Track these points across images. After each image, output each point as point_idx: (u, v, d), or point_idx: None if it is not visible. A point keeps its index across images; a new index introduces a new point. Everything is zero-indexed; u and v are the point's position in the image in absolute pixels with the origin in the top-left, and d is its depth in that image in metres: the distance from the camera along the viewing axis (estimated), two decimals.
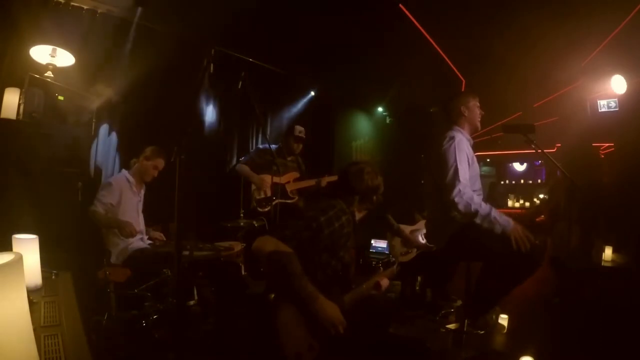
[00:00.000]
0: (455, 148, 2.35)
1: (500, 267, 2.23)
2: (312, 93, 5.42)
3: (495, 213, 2.22)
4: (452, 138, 2.41)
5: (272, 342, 1.49)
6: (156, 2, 3.40)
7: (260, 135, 4.72)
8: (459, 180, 2.26)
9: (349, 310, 1.66)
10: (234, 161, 4.43)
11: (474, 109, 2.56)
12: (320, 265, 1.68)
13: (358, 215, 1.88)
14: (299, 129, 3.87)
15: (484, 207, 2.23)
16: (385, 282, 1.82)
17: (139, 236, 2.79)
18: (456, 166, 2.29)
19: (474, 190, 2.43)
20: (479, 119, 2.59)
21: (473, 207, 2.22)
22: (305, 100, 5.37)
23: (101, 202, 2.67)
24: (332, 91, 5.59)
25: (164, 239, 2.94)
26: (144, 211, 2.98)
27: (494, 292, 2.32)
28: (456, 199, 2.24)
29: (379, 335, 1.89)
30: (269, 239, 1.58)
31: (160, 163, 2.89)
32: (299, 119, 4.89)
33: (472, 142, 2.56)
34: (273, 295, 1.60)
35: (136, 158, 2.90)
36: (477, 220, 2.22)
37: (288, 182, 3.78)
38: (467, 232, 2.34)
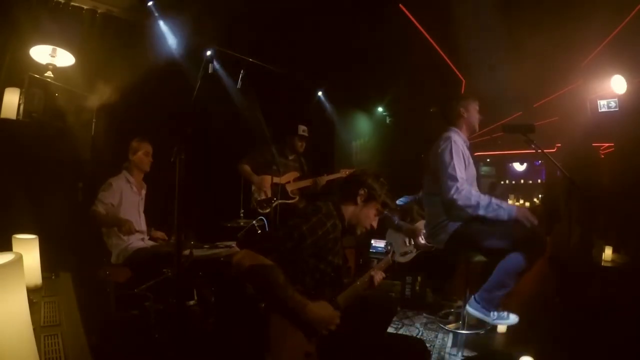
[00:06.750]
0: (451, 148, 2.37)
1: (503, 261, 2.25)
2: (313, 93, 5.42)
3: (495, 200, 2.26)
4: (449, 139, 2.43)
5: (267, 355, 1.46)
6: (156, 2, 3.41)
7: (260, 135, 4.72)
8: (456, 179, 2.28)
9: (346, 310, 1.65)
10: (235, 161, 4.43)
11: (473, 112, 2.58)
12: (308, 270, 1.64)
13: (366, 217, 1.77)
14: (302, 128, 3.87)
15: (484, 198, 2.26)
16: (379, 275, 1.80)
17: (139, 236, 2.80)
18: (453, 165, 2.31)
19: None
20: (477, 123, 2.62)
21: (473, 200, 2.25)
22: (305, 100, 5.37)
23: (102, 202, 2.68)
24: (332, 91, 5.59)
25: (166, 238, 2.95)
26: (145, 211, 2.99)
27: (500, 286, 2.33)
28: (455, 197, 2.26)
29: (379, 335, 1.87)
30: (248, 253, 1.52)
31: (148, 147, 2.95)
32: (300, 118, 4.89)
33: (468, 143, 2.57)
34: (264, 305, 1.56)
35: (127, 161, 2.94)
36: (481, 212, 2.24)
37: (288, 182, 3.78)
38: (467, 232, 2.35)
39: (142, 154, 2.92)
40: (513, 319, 2.38)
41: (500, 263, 2.27)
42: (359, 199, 1.76)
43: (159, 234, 2.98)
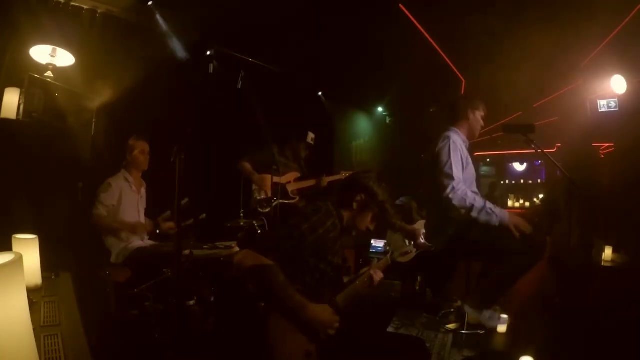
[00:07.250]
0: (450, 147, 2.38)
1: (502, 262, 2.26)
2: (313, 93, 5.41)
3: (490, 205, 2.26)
4: (448, 138, 2.43)
5: (266, 355, 1.46)
6: (156, 2, 3.40)
7: (260, 135, 4.71)
8: (453, 178, 2.29)
9: (345, 310, 1.65)
10: (235, 161, 4.43)
11: (478, 117, 2.60)
12: (308, 270, 1.64)
13: (362, 222, 1.78)
14: (312, 136, 3.85)
15: (479, 201, 2.27)
16: (378, 275, 1.79)
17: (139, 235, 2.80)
18: (450, 164, 2.32)
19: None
20: (479, 130, 2.63)
21: (468, 202, 2.26)
22: (305, 100, 5.37)
23: (103, 204, 2.68)
24: (332, 91, 5.59)
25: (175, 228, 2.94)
26: (145, 210, 2.99)
27: (497, 287, 2.34)
28: (450, 196, 2.28)
29: (379, 335, 1.87)
30: (249, 253, 1.53)
31: (144, 145, 2.94)
32: (300, 118, 4.89)
33: (467, 144, 2.58)
34: (263, 304, 1.56)
35: (125, 160, 2.94)
36: (474, 214, 2.25)
37: (289, 182, 3.77)
38: (467, 232, 2.36)
39: (138, 152, 2.91)
40: (504, 320, 2.40)
41: (498, 264, 2.28)
42: (355, 205, 1.76)
43: (169, 224, 2.98)
